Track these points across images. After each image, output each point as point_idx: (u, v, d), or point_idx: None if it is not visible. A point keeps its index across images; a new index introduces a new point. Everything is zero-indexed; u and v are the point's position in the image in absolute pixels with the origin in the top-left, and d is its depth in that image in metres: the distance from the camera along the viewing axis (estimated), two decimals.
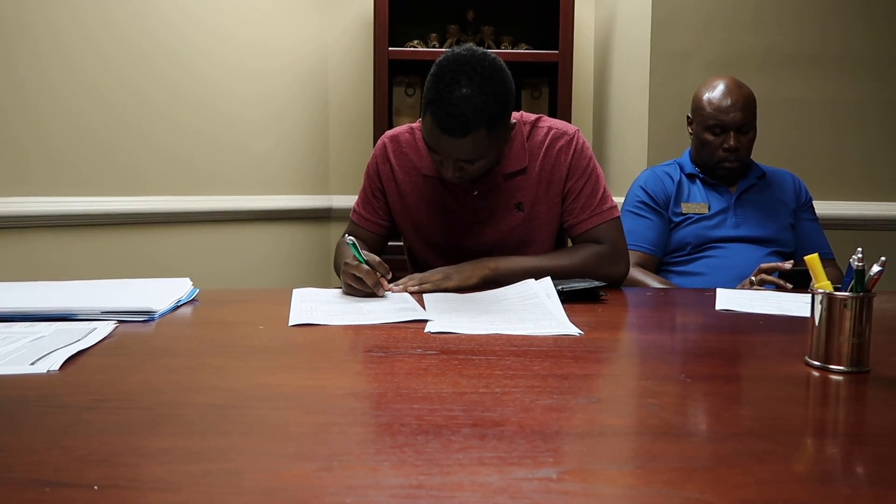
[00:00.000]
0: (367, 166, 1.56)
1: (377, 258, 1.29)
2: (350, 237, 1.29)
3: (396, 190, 1.52)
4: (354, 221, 1.58)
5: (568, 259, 1.43)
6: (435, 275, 1.37)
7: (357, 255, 1.26)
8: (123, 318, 1.06)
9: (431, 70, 1.29)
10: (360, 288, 1.26)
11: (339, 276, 1.37)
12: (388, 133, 1.55)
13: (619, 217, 1.49)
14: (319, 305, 1.20)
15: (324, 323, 1.06)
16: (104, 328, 0.99)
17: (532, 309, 1.16)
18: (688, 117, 1.91)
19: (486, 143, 1.28)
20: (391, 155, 1.52)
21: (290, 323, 1.06)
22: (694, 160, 1.91)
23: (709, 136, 1.82)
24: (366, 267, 1.25)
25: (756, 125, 1.83)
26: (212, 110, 2.44)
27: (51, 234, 2.07)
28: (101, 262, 2.17)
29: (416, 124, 1.53)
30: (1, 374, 0.78)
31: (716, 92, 1.81)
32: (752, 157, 1.90)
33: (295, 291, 1.31)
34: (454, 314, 1.12)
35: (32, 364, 0.80)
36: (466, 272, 1.38)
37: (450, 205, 1.49)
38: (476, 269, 1.39)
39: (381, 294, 1.27)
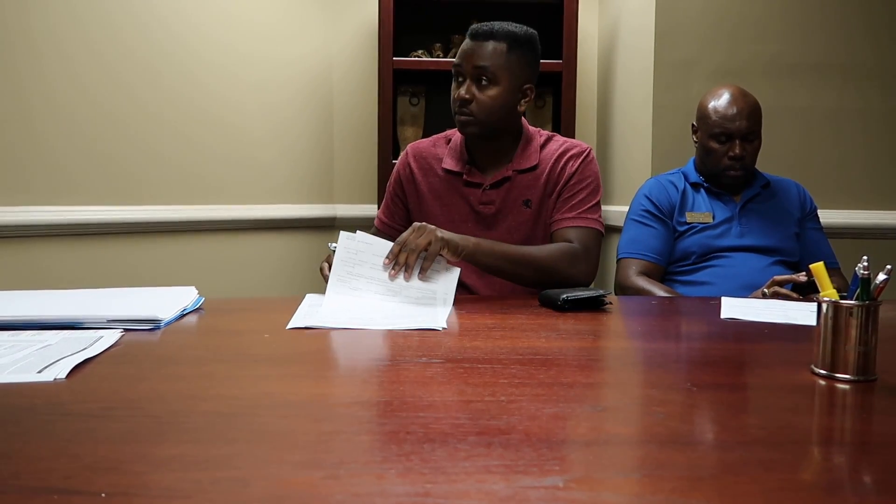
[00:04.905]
0: (391, 176, 1.69)
1: None
2: (332, 243, 1.36)
3: (414, 189, 1.63)
4: (377, 227, 1.71)
5: (538, 250, 1.46)
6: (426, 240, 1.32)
7: None
8: (129, 326, 1.07)
9: None
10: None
11: None
12: (411, 143, 1.71)
13: (600, 233, 1.54)
14: (325, 309, 1.21)
15: (322, 326, 1.07)
16: (110, 336, 0.99)
17: (420, 303, 1.26)
18: (692, 125, 1.91)
19: (503, 58, 1.47)
20: (411, 159, 1.65)
21: (288, 326, 1.07)
22: (698, 169, 1.91)
23: (714, 145, 1.82)
24: None
25: (761, 134, 1.84)
26: (217, 120, 2.45)
27: (53, 243, 2.08)
28: (106, 271, 2.18)
29: (440, 135, 1.68)
30: (8, 383, 0.78)
31: (721, 100, 1.81)
32: (756, 166, 1.90)
33: (308, 296, 1.34)
34: (347, 307, 1.20)
35: (39, 372, 0.81)
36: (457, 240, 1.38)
37: (464, 198, 1.57)
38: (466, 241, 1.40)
39: None
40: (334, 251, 1.32)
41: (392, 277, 1.30)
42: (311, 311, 1.19)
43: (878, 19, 2.33)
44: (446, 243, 1.33)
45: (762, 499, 0.52)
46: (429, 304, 1.27)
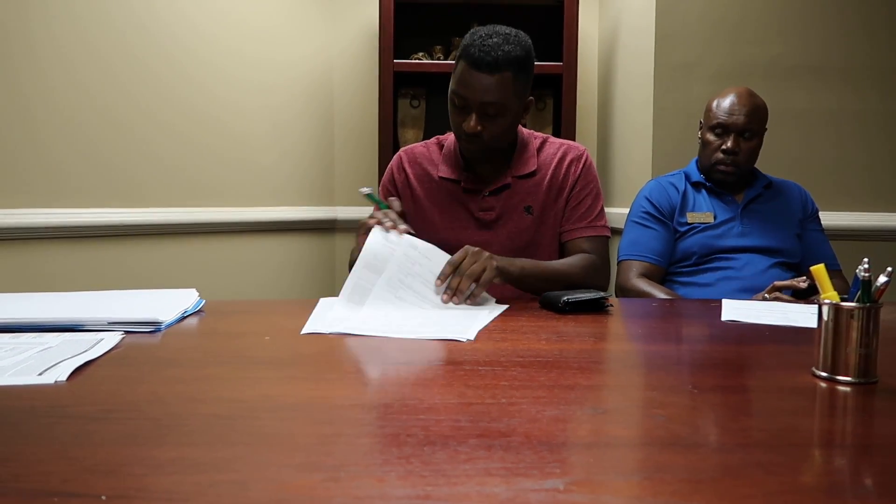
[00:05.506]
0: (383, 179, 1.67)
1: (399, 210, 1.41)
2: (365, 188, 1.40)
3: (411, 196, 1.61)
4: None
5: (570, 266, 1.50)
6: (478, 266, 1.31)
7: (379, 204, 1.41)
8: (130, 328, 1.07)
9: (465, 37, 1.47)
10: (388, 223, 1.33)
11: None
12: (404, 148, 1.68)
13: (608, 238, 1.58)
14: (347, 314, 1.19)
15: (350, 332, 1.05)
16: (111, 339, 0.99)
17: (457, 316, 1.19)
18: (700, 122, 1.92)
19: (510, 89, 1.41)
20: (406, 164, 1.63)
21: (326, 329, 1.06)
22: (699, 167, 1.92)
23: (710, 137, 1.84)
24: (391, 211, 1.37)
25: (762, 137, 1.84)
26: (217, 123, 2.45)
27: (54, 246, 2.08)
28: (107, 274, 2.18)
29: (432, 140, 1.66)
30: (9, 385, 0.78)
31: (727, 97, 1.83)
32: (756, 167, 1.90)
33: (321, 301, 1.31)
34: (379, 316, 1.16)
35: (40, 375, 0.81)
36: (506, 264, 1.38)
37: (462, 205, 1.56)
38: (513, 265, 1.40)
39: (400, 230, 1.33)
40: (367, 195, 1.37)
41: (445, 301, 1.27)
42: (340, 316, 1.15)
43: (877, 21, 2.33)
44: (500, 272, 1.34)
45: (763, 501, 0.51)
46: (467, 319, 1.19)
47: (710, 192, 1.88)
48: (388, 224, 1.33)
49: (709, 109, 1.85)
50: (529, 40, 1.47)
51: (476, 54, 1.39)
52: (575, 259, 1.52)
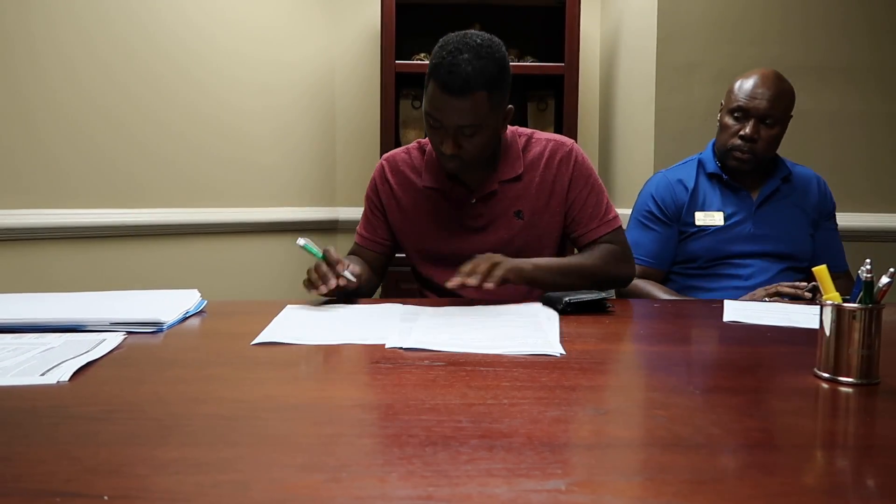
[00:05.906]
0: (367, 189, 1.61)
1: (335, 258, 1.31)
2: (301, 238, 1.32)
3: (397, 206, 1.56)
4: (357, 242, 1.62)
5: (585, 258, 1.48)
6: (488, 266, 1.30)
7: (315, 254, 1.31)
8: (132, 329, 1.07)
9: (434, 48, 1.38)
10: (314, 282, 1.29)
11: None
12: (385, 155, 1.62)
13: (622, 227, 1.54)
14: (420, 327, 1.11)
15: (421, 347, 0.98)
16: (113, 339, 1.00)
17: (525, 326, 1.12)
18: (721, 103, 1.81)
19: (486, 108, 1.33)
20: (389, 174, 1.57)
21: (389, 345, 0.99)
22: (715, 151, 1.80)
23: (729, 120, 1.72)
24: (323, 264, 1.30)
25: (786, 124, 1.73)
26: (219, 124, 2.45)
27: (56, 246, 2.08)
28: (109, 274, 2.18)
29: (413, 145, 1.60)
30: (11, 385, 0.78)
31: (751, 78, 1.71)
32: (778, 153, 1.81)
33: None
34: (442, 329, 1.08)
35: (42, 375, 0.81)
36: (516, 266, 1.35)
37: (449, 213, 1.52)
38: (523, 265, 1.37)
39: (322, 291, 1.28)
40: (303, 247, 1.30)
41: (455, 284, 1.24)
42: (405, 328, 1.09)
43: (879, 21, 2.33)
44: (510, 271, 1.31)
45: (764, 502, 0.51)
46: (533, 326, 1.12)
47: (724, 186, 1.77)
48: (322, 289, 1.28)
49: (730, 91, 1.73)
50: (503, 48, 1.37)
51: (445, 76, 1.30)
52: (592, 251, 1.48)
